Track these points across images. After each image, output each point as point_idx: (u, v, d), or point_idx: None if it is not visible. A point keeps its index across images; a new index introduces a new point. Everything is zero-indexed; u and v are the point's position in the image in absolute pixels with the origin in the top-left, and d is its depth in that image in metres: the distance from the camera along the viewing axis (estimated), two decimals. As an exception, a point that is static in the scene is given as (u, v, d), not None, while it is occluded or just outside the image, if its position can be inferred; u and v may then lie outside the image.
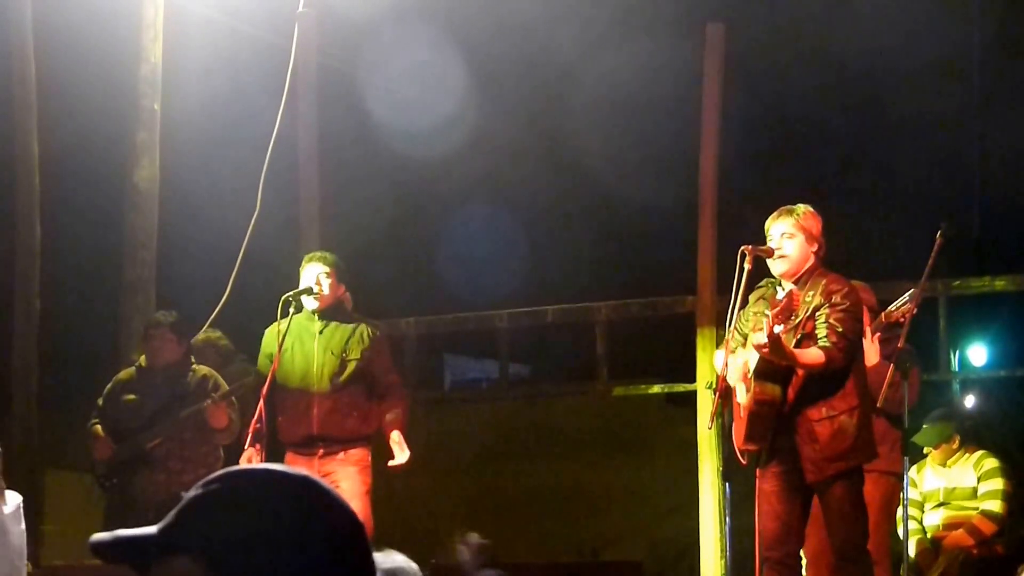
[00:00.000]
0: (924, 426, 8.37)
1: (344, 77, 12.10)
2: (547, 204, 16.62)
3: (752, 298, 6.50)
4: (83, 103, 11.37)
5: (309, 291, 7.48)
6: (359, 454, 7.47)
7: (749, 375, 6.31)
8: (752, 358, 6.26)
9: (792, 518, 6.39)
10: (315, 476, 2.00)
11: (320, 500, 1.96)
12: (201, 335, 8.82)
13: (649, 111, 14.36)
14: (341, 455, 7.44)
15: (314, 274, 7.55)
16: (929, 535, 8.49)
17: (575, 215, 16.77)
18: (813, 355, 6.18)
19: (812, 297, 6.30)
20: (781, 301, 6.23)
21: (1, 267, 9.64)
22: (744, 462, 6.49)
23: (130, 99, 9.41)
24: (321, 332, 7.55)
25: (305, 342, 7.56)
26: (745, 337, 6.45)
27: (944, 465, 8.52)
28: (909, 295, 7.24)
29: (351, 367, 7.47)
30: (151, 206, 9.41)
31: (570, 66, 14.42)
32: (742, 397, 6.40)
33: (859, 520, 6.41)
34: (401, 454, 7.43)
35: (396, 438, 7.44)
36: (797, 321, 6.23)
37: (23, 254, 9.48)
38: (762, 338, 5.96)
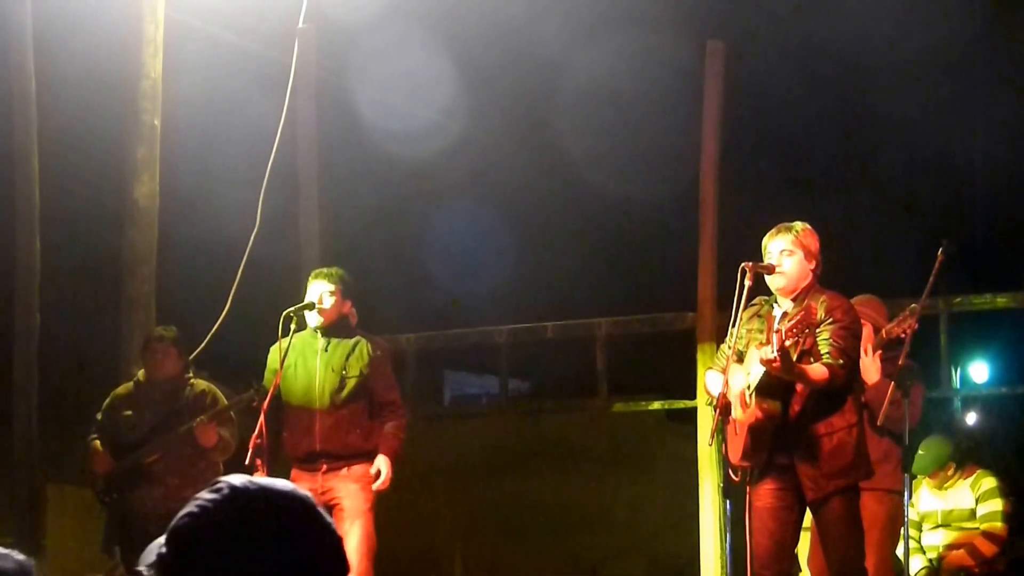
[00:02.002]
0: (919, 452, 8.33)
1: (343, 90, 12.11)
2: (547, 220, 16.64)
3: (745, 316, 6.45)
4: (83, 118, 11.37)
5: (311, 307, 7.46)
6: (362, 470, 7.42)
7: (748, 391, 6.28)
8: (754, 373, 6.22)
9: (786, 536, 6.37)
10: (312, 504, 2.02)
11: (306, 534, 1.98)
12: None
13: (652, 126, 14.37)
14: (344, 471, 7.41)
15: (318, 290, 7.53)
16: (929, 555, 8.49)
17: (576, 230, 16.78)
18: (818, 371, 6.14)
19: (816, 316, 6.22)
20: (795, 315, 6.15)
21: (1, 282, 9.64)
22: (737, 479, 6.47)
23: (130, 114, 9.38)
24: (324, 349, 7.54)
25: (308, 359, 7.55)
26: (739, 354, 6.43)
27: (940, 488, 8.53)
28: (909, 310, 7.23)
29: (350, 384, 7.45)
30: (151, 222, 9.38)
31: (571, 82, 14.43)
32: (739, 413, 6.37)
33: (856, 537, 6.38)
34: (382, 478, 7.41)
35: (380, 461, 7.43)
36: (797, 340, 6.15)
37: (23, 269, 9.48)
38: (771, 352, 5.92)
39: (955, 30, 14.81)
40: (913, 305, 7.22)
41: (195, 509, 1.99)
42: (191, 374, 8.20)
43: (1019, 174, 15.24)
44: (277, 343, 7.51)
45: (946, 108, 16.03)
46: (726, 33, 9.57)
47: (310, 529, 2.00)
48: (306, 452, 7.45)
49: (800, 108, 16.12)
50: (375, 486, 7.40)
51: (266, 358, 7.75)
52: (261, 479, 2.04)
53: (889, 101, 15.87)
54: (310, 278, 7.67)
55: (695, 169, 9.42)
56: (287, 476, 7.40)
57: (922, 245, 8.04)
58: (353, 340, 7.57)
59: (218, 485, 2.03)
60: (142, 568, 2.02)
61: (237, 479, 2.04)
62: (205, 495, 2.00)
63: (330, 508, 7.31)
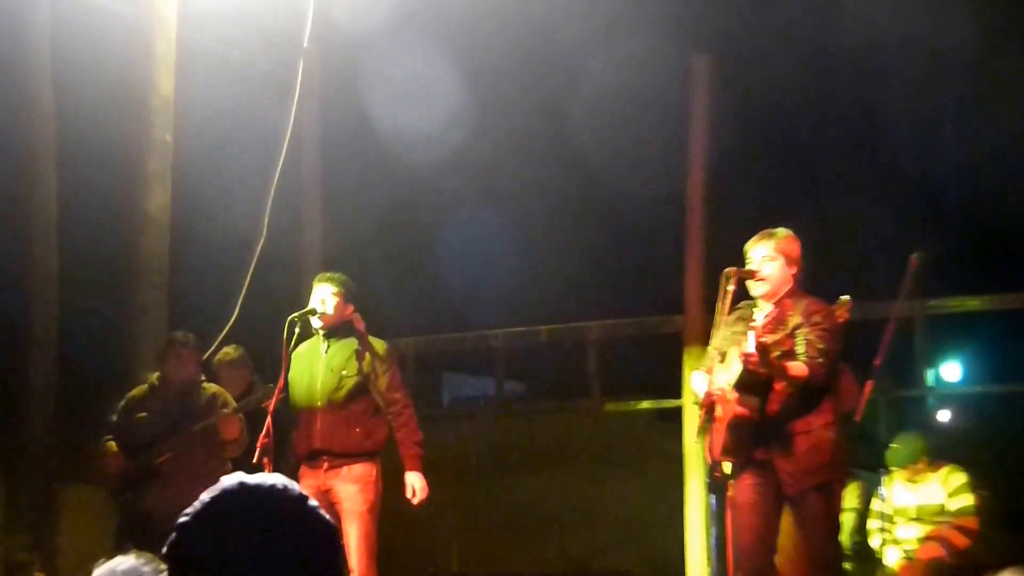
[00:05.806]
0: (894, 446, 8.68)
1: (350, 94, 12.19)
2: (541, 228, 16.68)
3: (731, 319, 6.50)
4: (98, 134, 11.48)
5: (313, 311, 7.56)
6: (362, 470, 7.48)
7: (728, 388, 6.35)
8: (734, 370, 6.28)
9: (767, 530, 6.41)
10: (304, 499, 2.07)
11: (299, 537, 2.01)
12: (233, 352, 9.05)
13: (641, 135, 14.43)
14: (344, 470, 7.45)
15: (321, 294, 7.63)
16: (903, 546, 8.73)
17: (569, 237, 16.81)
18: (797, 367, 6.20)
19: (792, 317, 6.38)
20: (769, 313, 6.28)
21: (19, 290, 9.82)
22: (719, 476, 6.51)
23: (142, 130, 9.35)
24: (325, 351, 7.62)
25: (313, 362, 7.63)
26: (723, 356, 6.48)
27: (912, 481, 8.80)
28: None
29: (348, 384, 7.51)
30: (162, 232, 9.39)
31: (560, 94, 14.54)
32: (720, 410, 6.44)
33: (833, 532, 6.51)
34: (419, 494, 7.55)
35: (412, 480, 7.54)
36: (777, 339, 6.26)
37: (41, 277, 9.63)
38: (750, 347, 6.00)
39: (936, 42, 14.99)
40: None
41: (191, 509, 2.02)
42: (203, 378, 8.37)
43: (991, 184, 15.44)
44: (296, 349, 7.64)
45: (921, 121, 16.18)
46: (721, 40, 9.62)
47: (301, 523, 2.00)
48: (308, 451, 7.51)
49: (784, 116, 16.25)
50: (415, 500, 7.53)
51: (272, 362, 7.99)
52: (254, 476, 2.05)
53: (869, 111, 16.01)
54: (314, 282, 7.76)
55: (683, 177, 9.58)
56: (297, 474, 7.59)
57: (899, 251, 8.29)
58: (355, 342, 7.62)
59: (216, 484, 2.06)
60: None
61: (231, 478, 2.05)
62: (204, 495, 2.04)
63: (332, 506, 7.39)
